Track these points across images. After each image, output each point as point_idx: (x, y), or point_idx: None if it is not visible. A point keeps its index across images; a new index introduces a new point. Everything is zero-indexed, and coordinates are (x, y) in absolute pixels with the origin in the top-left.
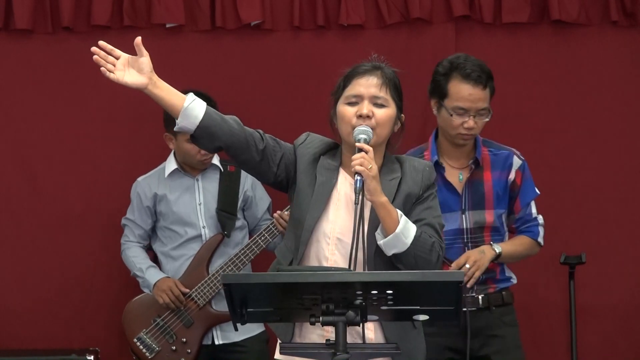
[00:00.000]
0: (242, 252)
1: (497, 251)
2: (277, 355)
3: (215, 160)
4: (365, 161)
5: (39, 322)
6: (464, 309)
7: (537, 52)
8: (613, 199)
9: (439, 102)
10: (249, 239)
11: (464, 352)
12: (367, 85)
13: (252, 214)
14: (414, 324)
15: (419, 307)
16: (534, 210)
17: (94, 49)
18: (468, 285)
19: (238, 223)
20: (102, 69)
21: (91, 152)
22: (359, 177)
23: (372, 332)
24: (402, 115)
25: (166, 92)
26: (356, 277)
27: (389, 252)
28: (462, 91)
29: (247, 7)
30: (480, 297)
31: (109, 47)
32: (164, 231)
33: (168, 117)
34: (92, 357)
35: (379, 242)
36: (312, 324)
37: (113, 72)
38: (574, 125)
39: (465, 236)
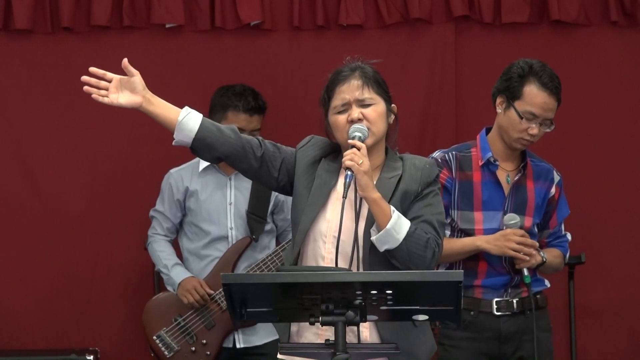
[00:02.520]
0: (269, 258)
1: (544, 258)
2: (278, 355)
3: None
4: (356, 157)
5: (38, 322)
6: (499, 314)
7: (536, 52)
8: (613, 199)
9: (509, 101)
10: (276, 244)
11: (498, 357)
12: (350, 90)
13: (283, 217)
14: (414, 322)
15: (418, 307)
16: (564, 227)
17: (84, 78)
18: (520, 266)
19: (267, 227)
20: (93, 95)
21: (91, 152)
22: (349, 172)
23: (367, 330)
24: (393, 105)
25: (160, 108)
26: (356, 277)
27: (381, 248)
28: (538, 97)
29: (247, 7)
30: (514, 301)
31: (100, 72)
32: (191, 227)
33: (216, 104)
34: (91, 357)
35: (371, 238)
36: (312, 324)
37: (107, 97)
38: (574, 125)
39: None
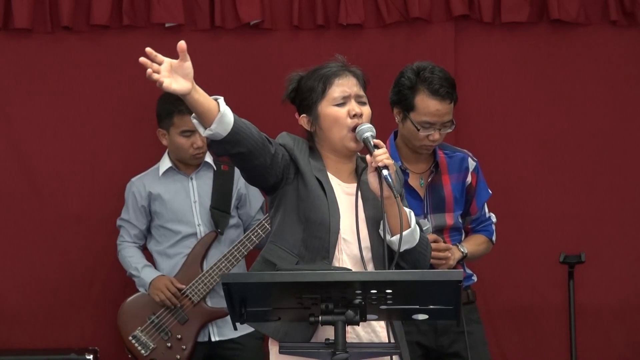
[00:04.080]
0: (236, 248)
1: (464, 252)
2: (276, 354)
3: (209, 158)
4: (389, 155)
5: (38, 322)
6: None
7: (536, 52)
8: (612, 198)
9: (404, 113)
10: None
11: (433, 348)
12: (350, 84)
13: (246, 212)
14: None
15: (418, 307)
16: (487, 209)
17: (142, 60)
18: (441, 268)
19: (232, 221)
20: (154, 77)
21: (90, 152)
22: (387, 172)
23: (384, 330)
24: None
25: (203, 96)
26: (355, 277)
27: (402, 248)
28: (430, 107)
29: (247, 7)
30: None
31: (153, 53)
32: (159, 230)
33: (159, 113)
34: (91, 357)
35: (390, 238)
36: (312, 323)
37: (164, 80)
38: (573, 124)
39: None
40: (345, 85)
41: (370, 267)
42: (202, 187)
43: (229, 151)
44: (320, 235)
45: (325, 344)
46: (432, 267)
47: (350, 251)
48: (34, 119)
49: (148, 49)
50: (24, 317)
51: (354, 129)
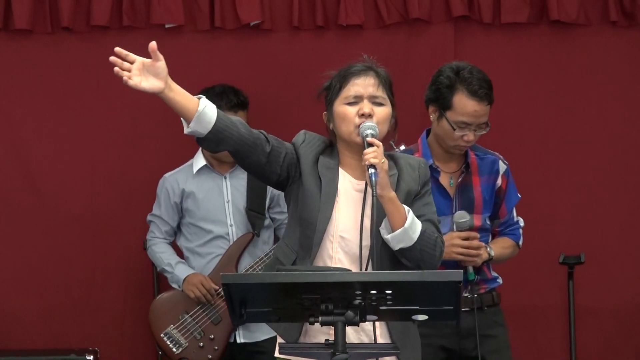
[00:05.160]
0: (272, 252)
1: (491, 255)
2: (276, 354)
3: None
4: (379, 154)
5: (38, 322)
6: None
7: (536, 53)
8: (612, 199)
9: (441, 111)
10: (274, 237)
11: (457, 351)
12: (365, 85)
13: (280, 210)
14: (415, 322)
15: (418, 307)
16: (515, 213)
17: (112, 58)
18: (467, 265)
19: (266, 222)
20: (123, 78)
21: (91, 152)
22: (373, 171)
23: (378, 329)
24: (395, 111)
25: (180, 95)
26: (355, 277)
27: (396, 247)
28: (468, 107)
29: (247, 8)
30: (473, 297)
31: (124, 52)
32: (190, 228)
33: None
34: (91, 357)
35: (385, 237)
36: (312, 323)
37: (131, 79)
38: (573, 125)
39: None
40: (360, 86)
41: (368, 266)
42: (236, 187)
43: (214, 149)
44: (308, 233)
45: (325, 344)
46: (457, 264)
47: (350, 249)
48: (34, 119)
49: (117, 49)
50: (24, 317)
51: (359, 126)
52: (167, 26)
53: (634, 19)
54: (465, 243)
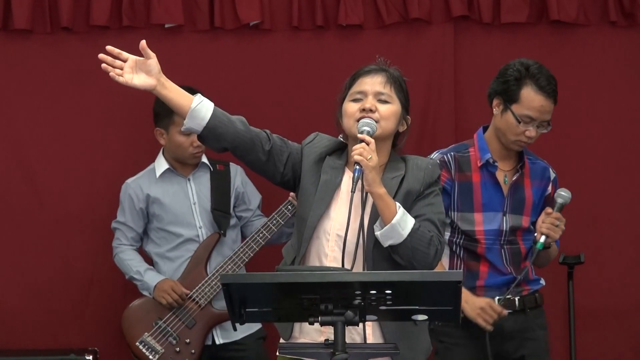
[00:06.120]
0: (242, 250)
1: (552, 245)
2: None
3: (205, 159)
4: (365, 151)
5: (37, 322)
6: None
7: (535, 53)
8: (612, 199)
9: (506, 104)
10: (241, 236)
11: (501, 354)
12: (372, 82)
13: (245, 208)
14: (415, 322)
15: (417, 307)
16: None
17: (101, 56)
18: (544, 233)
19: (232, 221)
20: (110, 74)
21: (90, 152)
22: (357, 167)
23: (369, 328)
24: (408, 117)
25: (174, 92)
26: (355, 277)
27: (386, 243)
28: (535, 101)
29: (246, 7)
30: (516, 299)
31: (116, 51)
32: (158, 232)
33: (158, 112)
34: (90, 357)
35: (375, 233)
36: (311, 323)
37: (122, 76)
38: (573, 125)
39: (502, 238)
40: (367, 84)
41: (358, 262)
42: (201, 188)
43: (215, 146)
44: (302, 230)
45: (325, 344)
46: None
47: (346, 248)
48: (33, 120)
49: (109, 47)
50: (24, 317)
51: (359, 120)
52: (166, 26)
53: (633, 19)
54: (554, 215)
